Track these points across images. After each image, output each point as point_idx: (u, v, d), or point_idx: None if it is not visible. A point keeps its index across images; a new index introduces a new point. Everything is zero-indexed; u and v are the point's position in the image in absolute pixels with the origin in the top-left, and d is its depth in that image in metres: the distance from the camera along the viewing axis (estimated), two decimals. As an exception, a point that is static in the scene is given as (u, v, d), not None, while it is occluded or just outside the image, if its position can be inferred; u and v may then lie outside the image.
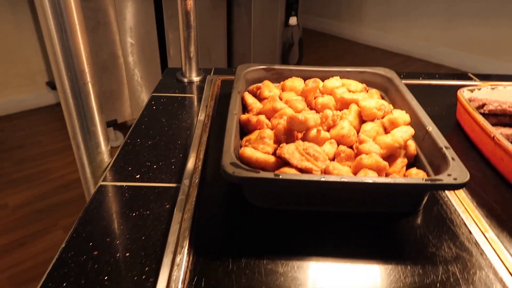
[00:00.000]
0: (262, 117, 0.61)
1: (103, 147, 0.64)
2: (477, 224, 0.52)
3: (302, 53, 2.83)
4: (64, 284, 0.43)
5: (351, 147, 0.58)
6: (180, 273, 0.43)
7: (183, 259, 0.45)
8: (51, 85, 2.43)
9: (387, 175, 0.53)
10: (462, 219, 0.53)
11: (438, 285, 0.43)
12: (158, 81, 0.95)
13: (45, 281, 0.44)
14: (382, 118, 0.62)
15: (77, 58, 0.56)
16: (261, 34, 2.46)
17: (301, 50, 2.81)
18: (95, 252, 0.48)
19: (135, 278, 0.44)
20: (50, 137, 2.18)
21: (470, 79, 1.00)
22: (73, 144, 0.62)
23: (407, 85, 0.70)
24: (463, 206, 0.55)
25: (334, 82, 0.71)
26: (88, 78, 0.58)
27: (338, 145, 0.58)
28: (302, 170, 0.51)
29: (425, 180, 0.46)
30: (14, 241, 1.53)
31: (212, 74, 0.97)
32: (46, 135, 2.20)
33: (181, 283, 0.42)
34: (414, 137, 0.59)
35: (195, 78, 0.96)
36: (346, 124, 0.60)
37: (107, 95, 2.03)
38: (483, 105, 0.71)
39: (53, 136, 2.19)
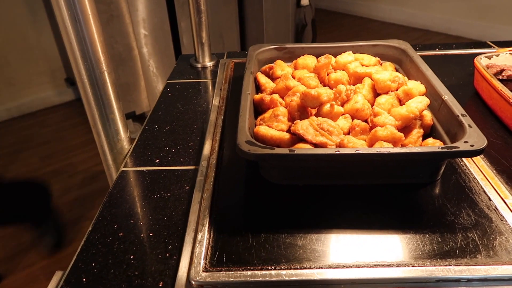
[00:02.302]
0: (276, 96, 0.61)
1: (122, 134, 0.66)
2: (496, 191, 0.51)
3: (316, 34, 2.79)
4: (93, 264, 0.45)
5: (365, 121, 0.58)
6: (202, 249, 0.44)
7: (204, 236, 0.46)
8: (70, 81, 2.49)
9: (403, 146, 0.53)
10: (481, 187, 0.52)
11: (457, 251, 0.43)
12: (170, 73, 0.96)
13: (75, 262, 0.46)
14: (396, 90, 0.62)
15: (92, 47, 0.57)
16: (274, 17, 2.44)
17: (315, 31, 2.77)
18: (121, 233, 0.50)
19: (159, 256, 0.46)
20: (73, 132, 2.24)
21: (489, 47, 0.97)
22: (94, 132, 0.64)
23: (423, 57, 0.69)
24: (481, 174, 0.54)
25: (346, 57, 0.70)
26: (104, 67, 0.60)
27: (352, 120, 0.58)
28: (317, 145, 0.51)
29: (441, 148, 0.46)
30: (46, 233, 1.59)
31: (225, 58, 0.98)
32: (70, 130, 2.27)
33: (203, 259, 0.43)
34: (430, 107, 0.59)
35: (209, 63, 0.97)
36: (360, 98, 0.60)
37: (124, 87, 2.06)
38: (502, 70, 0.69)
39: (76, 131, 2.24)
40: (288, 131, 0.55)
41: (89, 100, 0.62)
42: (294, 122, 0.54)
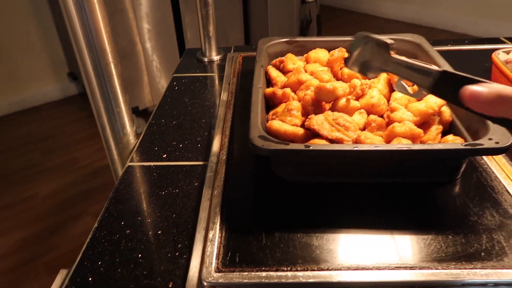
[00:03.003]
0: (288, 90, 0.59)
1: (128, 128, 0.64)
2: (520, 190, 0.49)
3: (321, 30, 2.76)
4: (99, 263, 0.43)
5: (381, 116, 0.56)
6: (214, 248, 0.42)
7: (216, 235, 0.44)
8: (72, 76, 2.47)
9: (422, 143, 0.51)
10: (504, 186, 0.50)
11: (482, 254, 0.41)
12: (177, 66, 0.94)
13: (81, 260, 0.44)
14: (413, 85, 0.59)
15: (98, 37, 0.55)
16: (278, 12, 2.41)
17: (320, 27, 2.74)
18: (128, 231, 0.48)
19: (169, 255, 0.44)
20: (76, 127, 2.22)
21: (502, 42, 0.95)
22: (99, 126, 0.62)
23: (436, 51, 0.66)
24: (504, 173, 0.52)
25: (360, 51, 0.68)
26: (111, 59, 0.58)
27: (368, 115, 0.56)
28: (332, 141, 0.49)
29: (465, 145, 0.44)
30: (47, 229, 1.58)
31: (232, 51, 0.95)
32: (72, 125, 2.25)
33: (215, 258, 0.41)
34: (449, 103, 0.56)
35: (215, 57, 0.95)
36: (375, 93, 0.58)
37: (127, 82, 2.04)
38: (521, 66, 0.67)
39: (79, 126, 2.22)
40: (302, 126, 0.53)
41: (94, 93, 0.59)
42: (309, 117, 0.51)
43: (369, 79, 0.60)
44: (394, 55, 0.44)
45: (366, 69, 0.48)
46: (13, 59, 2.27)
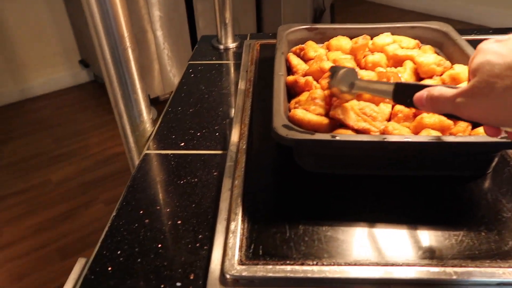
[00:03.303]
0: (311, 78, 0.57)
1: (145, 116, 0.63)
2: (555, 186, 0.47)
3: (334, 19, 2.72)
4: (119, 252, 0.42)
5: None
6: (236, 240, 0.41)
7: (238, 226, 0.43)
8: (84, 63, 2.46)
9: (451, 135, 0.49)
10: (538, 181, 0.48)
11: (517, 251, 0.39)
12: (188, 55, 0.92)
13: (99, 249, 0.43)
14: (441, 75, 0.57)
15: (116, 22, 0.53)
16: (291, 1, 2.37)
17: (333, 16, 2.70)
18: (147, 220, 0.46)
19: (189, 245, 0.43)
20: (87, 114, 2.22)
21: (530, 33, 0.91)
22: (116, 113, 0.61)
23: (463, 40, 0.64)
24: (537, 167, 0.50)
25: (384, 38, 0.65)
26: (128, 43, 0.56)
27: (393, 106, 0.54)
28: (359, 131, 0.47)
29: (502, 137, 0.42)
30: (59, 215, 1.58)
31: (248, 39, 0.93)
32: (84, 112, 2.24)
33: (238, 250, 0.40)
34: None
35: (231, 45, 0.93)
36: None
37: (139, 70, 2.02)
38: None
39: (90, 113, 2.22)
40: (326, 115, 0.51)
41: (111, 78, 0.58)
42: (333, 105, 0.50)
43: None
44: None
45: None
46: (25, 46, 2.26)
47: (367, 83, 0.48)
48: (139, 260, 0.42)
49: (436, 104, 0.35)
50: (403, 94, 0.40)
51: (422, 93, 0.37)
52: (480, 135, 0.48)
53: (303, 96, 0.54)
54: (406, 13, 3.63)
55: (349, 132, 0.47)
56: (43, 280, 1.33)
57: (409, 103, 0.39)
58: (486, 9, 3.20)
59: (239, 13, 2.26)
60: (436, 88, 0.35)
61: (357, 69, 0.56)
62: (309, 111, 0.51)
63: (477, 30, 0.93)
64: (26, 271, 1.36)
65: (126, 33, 0.56)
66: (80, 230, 1.51)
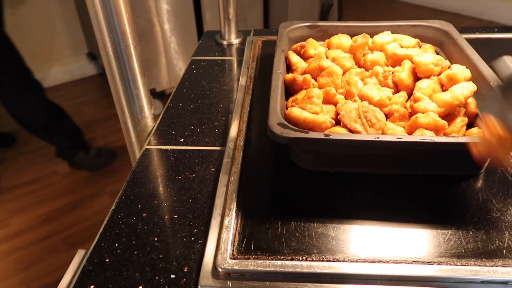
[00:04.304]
0: (309, 76, 0.58)
1: (147, 111, 0.64)
2: (547, 188, 0.47)
3: (342, 14, 2.70)
4: (116, 244, 0.44)
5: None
6: (229, 235, 0.42)
7: (231, 221, 0.44)
8: (91, 56, 2.48)
9: (445, 135, 0.50)
10: (530, 182, 0.48)
11: (504, 251, 0.40)
12: (194, 49, 0.93)
13: (98, 241, 0.45)
14: (439, 75, 0.58)
15: (118, 19, 0.55)
16: (299, -5, 2.36)
17: (341, 11, 2.68)
18: (144, 214, 0.48)
19: (184, 239, 0.44)
20: (94, 107, 2.24)
21: (535, 31, 0.91)
22: (118, 108, 0.62)
23: (464, 40, 0.64)
24: (530, 168, 0.50)
25: (384, 37, 0.66)
26: (130, 40, 0.57)
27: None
28: (351, 131, 0.48)
29: (492, 139, 0.42)
30: (66, 205, 1.61)
31: (251, 35, 0.94)
32: (90, 105, 2.27)
33: (231, 245, 0.41)
34: (475, 95, 0.54)
35: (235, 40, 0.94)
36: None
37: (145, 64, 2.03)
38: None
39: (97, 106, 2.25)
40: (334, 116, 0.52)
41: (113, 74, 0.59)
42: (344, 101, 0.51)
43: None
44: None
45: None
46: (33, 38, 2.29)
47: None
48: (135, 252, 0.43)
49: None
50: None
51: None
52: (473, 135, 0.48)
53: (301, 95, 0.55)
54: (416, 8, 3.59)
55: (343, 131, 0.48)
56: (49, 270, 1.37)
57: None
58: (498, 4, 3.15)
59: (246, 8, 2.26)
60: None
61: None
62: (305, 110, 0.52)
63: (481, 28, 0.93)
64: (32, 261, 1.40)
65: (128, 30, 0.57)
66: (85, 221, 1.54)
